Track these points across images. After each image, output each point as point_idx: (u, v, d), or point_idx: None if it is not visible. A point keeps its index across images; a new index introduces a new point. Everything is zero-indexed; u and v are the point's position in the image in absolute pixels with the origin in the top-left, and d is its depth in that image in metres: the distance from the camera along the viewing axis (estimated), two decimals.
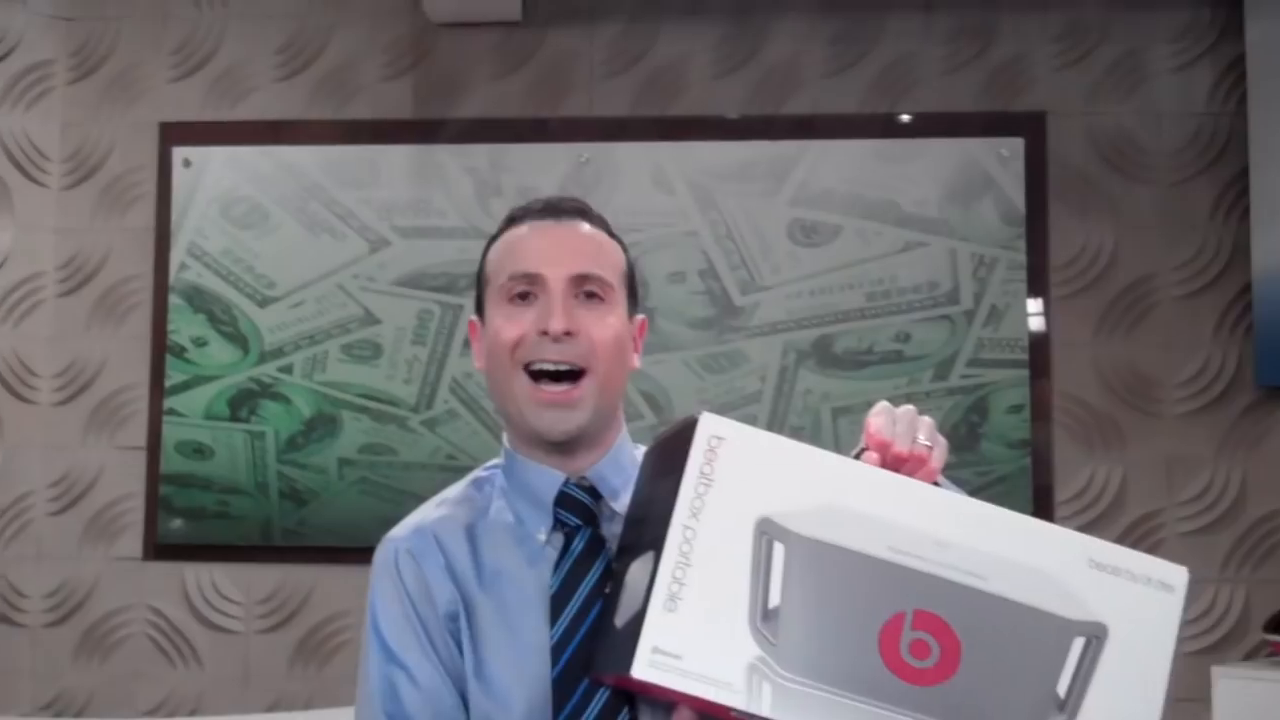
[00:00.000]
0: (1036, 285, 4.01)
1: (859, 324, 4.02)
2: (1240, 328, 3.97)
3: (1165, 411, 3.99)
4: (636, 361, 1.84)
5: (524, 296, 1.75)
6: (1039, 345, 4.00)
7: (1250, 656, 3.90)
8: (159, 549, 4.14)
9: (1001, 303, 3.99)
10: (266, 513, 4.10)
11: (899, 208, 4.03)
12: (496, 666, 1.71)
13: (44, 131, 4.23)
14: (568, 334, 1.72)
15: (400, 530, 1.82)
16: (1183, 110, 4.04)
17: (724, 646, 1.46)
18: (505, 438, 1.83)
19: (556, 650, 1.68)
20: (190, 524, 4.12)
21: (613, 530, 1.75)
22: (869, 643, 1.47)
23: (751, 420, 4.03)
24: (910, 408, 1.65)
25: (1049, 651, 1.50)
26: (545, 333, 1.72)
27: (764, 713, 1.45)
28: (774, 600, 1.48)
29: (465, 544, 1.76)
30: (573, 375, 1.73)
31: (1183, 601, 1.54)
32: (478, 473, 1.87)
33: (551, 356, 1.72)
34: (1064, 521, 3.95)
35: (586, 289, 1.75)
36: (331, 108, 4.20)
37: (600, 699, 1.65)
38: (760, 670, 1.46)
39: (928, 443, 1.62)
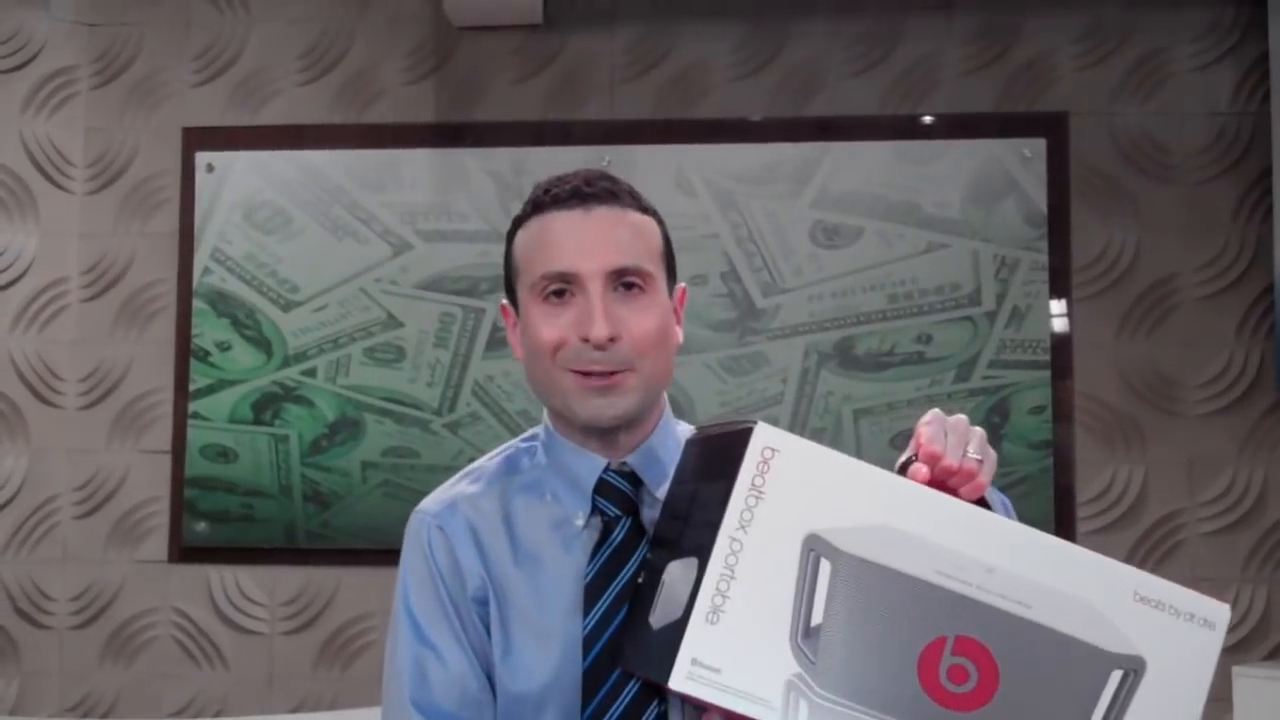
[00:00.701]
0: (1058, 286, 4.01)
1: (881, 325, 4.03)
2: (1262, 328, 3.97)
3: (1187, 412, 3.99)
4: (680, 335, 1.77)
5: (559, 294, 1.68)
6: (1061, 346, 4.00)
7: (1271, 657, 3.90)
8: (184, 551, 4.16)
9: (1023, 304, 3.99)
10: (290, 515, 4.12)
11: (921, 209, 4.03)
12: (525, 651, 1.69)
13: (68, 137, 4.25)
14: (611, 340, 1.66)
15: (433, 504, 1.78)
16: (1205, 110, 4.04)
17: (763, 662, 1.45)
18: (545, 416, 1.79)
19: (589, 641, 1.65)
20: (215, 527, 4.14)
21: (653, 517, 1.72)
22: (908, 666, 1.47)
23: (773, 422, 4.01)
24: (962, 418, 1.61)
25: (1086, 682, 1.50)
26: (586, 339, 1.66)
27: None
28: (817, 618, 1.47)
29: (500, 523, 1.74)
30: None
31: (1222, 639, 1.53)
32: (516, 443, 1.83)
33: (597, 365, 1.67)
34: (1085, 522, 3.95)
35: (625, 281, 1.68)
36: (354, 112, 4.22)
37: (630, 692, 1.63)
38: (798, 688, 1.45)
39: (978, 456, 1.58)
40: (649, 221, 1.74)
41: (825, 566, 1.47)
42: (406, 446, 4.10)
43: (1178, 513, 3.96)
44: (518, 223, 1.76)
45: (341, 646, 4.11)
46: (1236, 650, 3.89)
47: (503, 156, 4.14)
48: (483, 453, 4.16)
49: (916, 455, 1.57)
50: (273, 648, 4.14)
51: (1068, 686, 1.49)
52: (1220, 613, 1.54)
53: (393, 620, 1.76)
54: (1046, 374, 3.98)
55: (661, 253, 1.74)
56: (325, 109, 4.23)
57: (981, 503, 1.59)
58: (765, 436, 1.47)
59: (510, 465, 1.80)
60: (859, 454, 3.92)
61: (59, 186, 4.24)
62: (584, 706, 1.65)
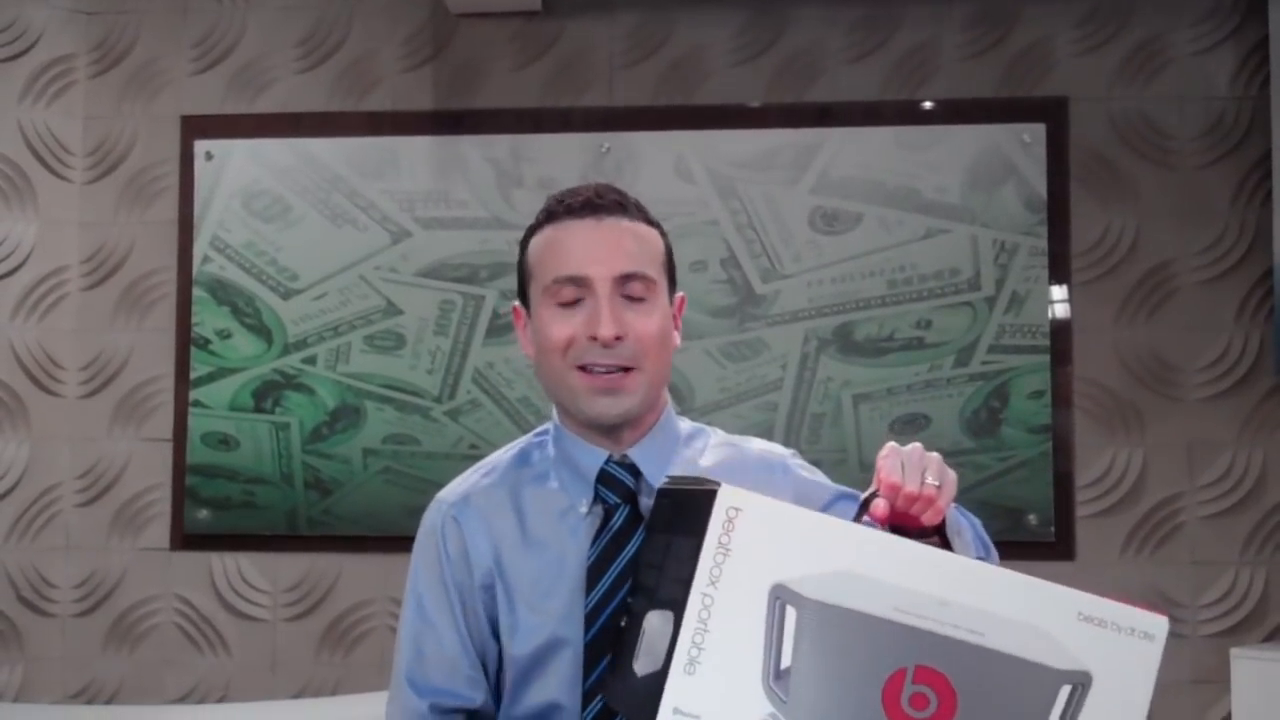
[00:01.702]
0: (1058, 271, 4.01)
1: (880, 311, 4.03)
2: (1261, 312, 3.97)
3: (1186, 396, 3.99)
4: (677, 340, 1.93)
5: (570, 299, 1.82)
6: (1060, 331, 4.01)
7: (1270, 639, 3.92)
8: (186, 539, 4.17)
9: (1023, 289, 4.00)
10: (292, 502, 4.13)
11: (920, 195, 4.03)
12: (528, 622, 1.84)
13: (66, 126, 4.25)
14: (617, 338, 1.80)
15: (450, 494, 1.93)
16: (1205, 95, 4.04)
17: (739, 706, 1.56)
18: (554, 412, 1.93)
19: (590, 618, 1.80)
20: (216, 514, 4.15)
21: (648, 505, 1.85)
22: (873, 697, 1.57)
23: (773, 408, 4.05)
24: (917, 446, 1.72)
25: (1037, 699, 1.61)
26: (595, 338, 1.80)
27: None
28: (786, 660, 1.58)
29: (511, 512, 1.87)
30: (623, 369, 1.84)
31: (1160, 649, 1.63)
32: (528, 438, 1.98)
33: (603, 361, 1.81)
34: (1085, 506, 3.96)
35: (630, 289, 1.83)
36: (352, 99, 4.22)
37: None
38: None
39: (935, 481, 1.69)
40: (653, 233, 1.90)
41: (791, 613, 1.58)
42: (407, 434, 4.11)
43: (1177, 496, 3.97)
44: (532, 230, 1.91)
45: (344, 633, 4.13)
46: (1234, 632, 3.90)
47: (502, 144, 4.14)
48: (483, 439, 4.21)
49: (878, 489, 1.70)
50: (275, 634, 4.15)
51: (1021, 704, 1.60)
52: (1158, 625, 1.64)
53: (405, 598, 1.92)
54: (1046, 359, 3.99)
55: (664, 262, 1.91)
56: (323, 96, 4.22)
57: (942, 525, 1.72)
58: (729, 498, 1.61)
59: (522, 458, 1.95)
60: (858, 439, 3.95)
61: (58, 175, 4.24)
62: (585, 676, 1.81)
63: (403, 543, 3.95)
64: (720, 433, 2.01)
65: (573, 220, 1.84)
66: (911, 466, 1.69)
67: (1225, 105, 4.03)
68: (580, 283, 1.82)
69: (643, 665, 1.64)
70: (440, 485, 4.20)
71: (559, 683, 1.83)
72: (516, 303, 1.96)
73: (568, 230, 1.84)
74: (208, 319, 4.17)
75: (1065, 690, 1.60)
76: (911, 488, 1.68)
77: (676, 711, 1.55)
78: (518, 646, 1.84)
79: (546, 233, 1.87)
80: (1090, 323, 4.02)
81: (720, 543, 1.58)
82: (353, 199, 4.15)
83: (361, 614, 4.13)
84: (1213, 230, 4.01)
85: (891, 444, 1.72)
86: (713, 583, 1.58)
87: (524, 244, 1.92)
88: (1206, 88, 4.04)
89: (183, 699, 4.15)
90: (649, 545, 1.77)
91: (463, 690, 1.85)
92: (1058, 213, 4.02)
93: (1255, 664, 3.55)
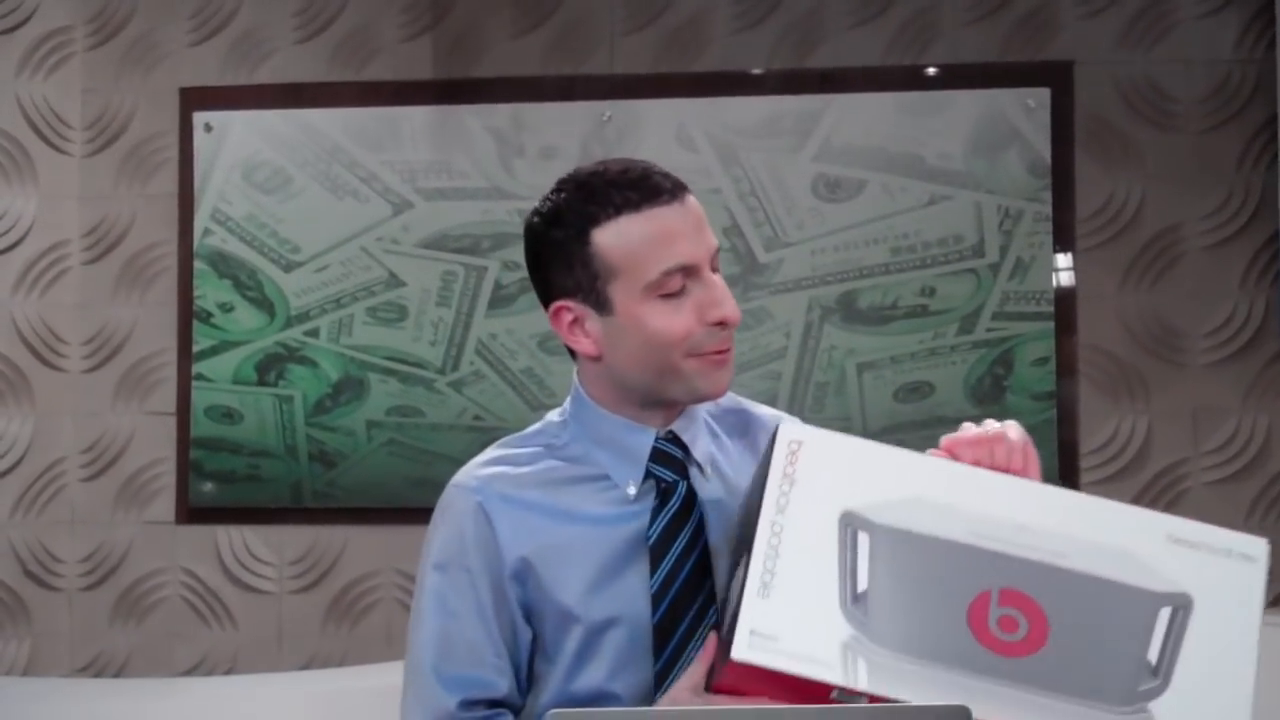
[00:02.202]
0: (1062, 237, 3.99)
1: (884, 279, 4.02)
2: (1267, 278, 3.96)
3: (1191, 362, 3.98)
4: None
5: (679, 287, 1.77)
6: (1065, 297, 3.99)
7: (1273, 605, 3.89)
8: (191, 512, 4.18)
9: (1027, 255, 3.98)
10: (296, 475, 4.13)
11: (923, 161, 4.01)
12: (589, 598, 1.79)
13: (64, 99, 4.23)
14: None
15: (470, 479, 1.85)
16: (1210, 58, 4.01)
17: (818, 627, 1.53)
18: (582, 392, 1.88)
19: (657, 598, 1.77)
20: (221, 487, 4.15)
21: (698, 476, 1.85)
22: (958, 619, 1.54)
23: (776, 376, 4.04)
24: (1006, 442, 1.69)
25: (1136, 623, 1.56)
26: (719, 323, 1.78)
27: (861, 687, 1.51)
28: (862, 585, 1.55)
29: (546, 498, 1.82)
30: None
31: (1265, 571, 1.60)
32: (549, 418, 1.93)
33: (722, 346, 1.80)
34: (1089, 473, 3.96)
35: (715, 263, 1.82)
36: (351, 70, 4.19)
37: (697, 643, 1.75)
38: (854, 648, 1.53)
39: (1000, 427, 1.70)
40: None
41: (863, 539, 1.55)
42: (411, 405, 4.11)
43: (1181, 462, 3.97)
44: (592, 220, 1.78)
45: (350, 604, 4.13)
46: None
47: (503, 113, 4.12)
48: (487, 411, 4.20)
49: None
50: (281, 606, 4.16)
51: (1118, 628, 1.56)
52: (1258, 546, 1.61)
53: (418, 589, 1.85)
54: (1050, 325, 3.98)
55: None
56: (322, 67, 4.20)
57: None
58: (790, 432, 1.60)
59: (545, 441, 1.89)
60: (862, 407, 3.95)
61: (57, 149, 4.22)
62: (656, 656, 1.77)
63: (408, 514, 4.02)
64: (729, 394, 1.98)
65: (662, 208, 1.77)
66: (973, 425, 1.71)
67: (1231, 68, 4.00)
68: (691, 272, 1.77)
69: (726, 625, 1.62)
70: (445, 456, 4.20)
71: (611, 669, 1.79)
72: (564, 302, 1.83)
73: (661, 219, 1.77)
74: (209, 292, 4.17)
75: (1165, 613, 1.56)
76: (976, 432, 1.68)
77: (754, 633, 1.52)
78: (566, 632, 1.79)
79: (627, 224, 1.76)
80: (1095, 289, 4.00)
81: (785, 473, 1.57)
82: (353, 170, 4.13)
83: (367, 586, 4.13)
84: (1218, 195, 3.99)
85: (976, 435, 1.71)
86: (780, 511, 1.56)
87: (582, 238, 1.78)
88: (1212, 51, 4.01)
89: (190, 671, 4.16)
90: (733, 540, 1.77)
91: (490, 678, 1.80)
92: (1062, 178, 4.00)
93: (1261, 631, 3.54)
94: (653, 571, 1.77)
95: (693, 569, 1.79)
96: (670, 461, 1.83)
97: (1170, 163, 4.00)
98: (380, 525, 4.11)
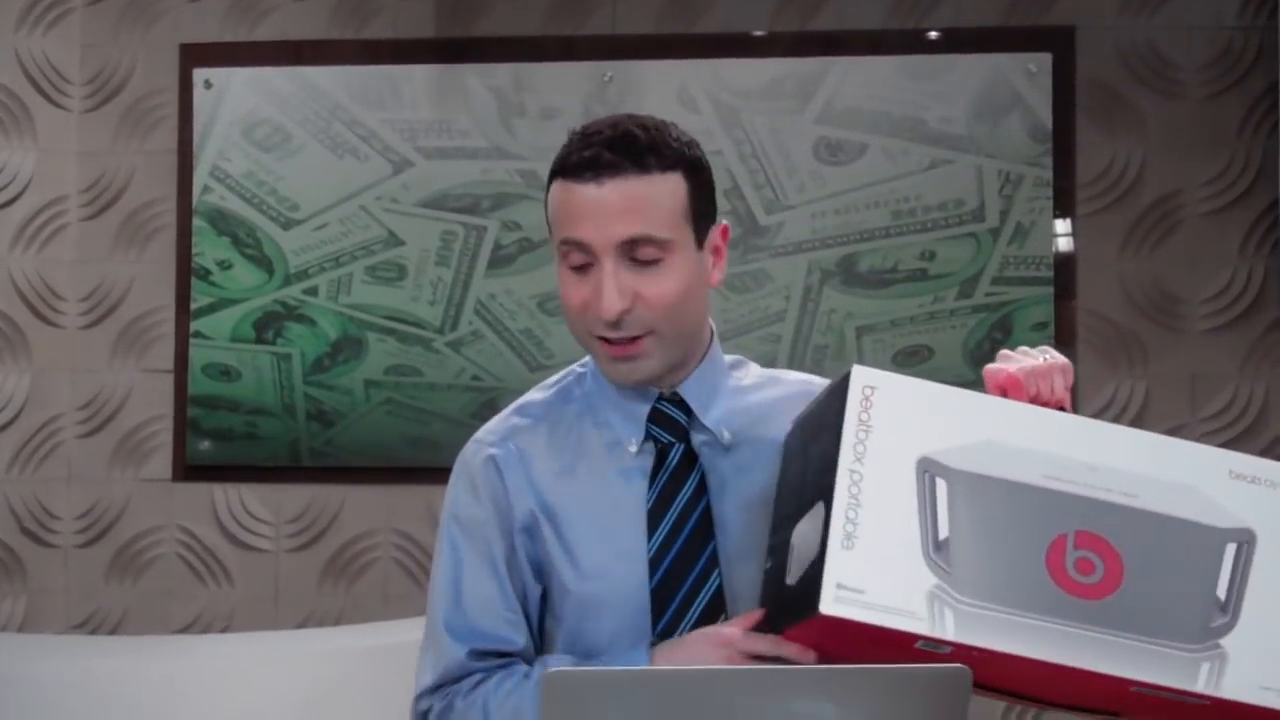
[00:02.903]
0: (1063, 202, 3.99)
1: (884, 242, 4.01)
2: (1267, 244, 3.96)
3: (1189, 328, 3.99)
4: (716, 278, 1.85)
5: (579, 261, 1.77)
6: (1064, 262, 3.99)
7: None
8: (188, 470, 4.17)
9: (1027, 220, 3.98)
10: (294, 434, 4.13)
11: (925, 125, 4.01)
12: (593, 559, 1.79)
13: (64, 54, 4.22)
14: (624, 313, 1.74)
15: (487, 435, 1.87)
16: (1212, 24, 4.00)
17: (903, 578, 1.54)
18: None
19: (654, 562, 1.76)
20: (219, 445, 4.15)
21: (702, 441, 1.83)
22: (1038, 564, 1.56)
23: (775, 339, 4.04)
24: (1043, 365, 1.72)
25: (1205, 559, 1.59)
26: (599, 316, 1.75)
27: (949, 637, 1.52)
28: (943, 532, 1.56)
29: (557, 452, 1.84)
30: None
31: None
32: (566, 374, 1.92)
33: (611, 335, 1.76)
34: None
35: (640, 253, 1.74)
36: (352, 27, 4.18)
37: (697, 608, 1.75)
38: (939, 597, 1.53)
39: (1049, 357, 1.74)
40: (670, 179, 1.76)
41: (941, 485, 1.57)
42: (409, 365, 4.10)
43: (1179, 429, 3.97)
44: (552, 173, 1.82)
45: (347, 563, 4.13)
46: None
47: (504, 72, 4.11)
48: (486, 371, 4.20)
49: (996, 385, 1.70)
50: (278, 565, 4.16)
51: (1188, 565, 1.58)
52: None
53: (436, 542, 1.86)
54: (1049, 290, 3.98)
55: (685, 210, 1.78)
56: (323, 24, 4.19)
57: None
58: (863, 376, 1.60)
59: (563, 395, 1.90)
60: None
61: (56, 104, 4.21)
62: (655, 620, 1.76)
63: (406, 474, 4.02)
64: (755, 366, 1.97)
65: (575, 183, 1.75)
66: (1020, 354, 1.72)
67: (1233, 35, 4.00)
68: (584, 249, 1.75)
69: (796, 572, 1.61)
70: (443, 416, 4.21)
71: (613, 631, 1.78)
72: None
73: (570, 192, 1.76)
74: (208, 249, 4.16)
75: (1231, 549, 1.59)
76: (1032, 362, 1.70)
77: (840, 586, 1.52)
78: (572, 590, 1.79)
79: (557, 188, 1.79)
80: (1094, 254, 4.00)
81: (860, 420, 1.57)
82: (353, 128, 4.12)
83: (364, 545, 4.14)
84: (1219, 161, 3.99)
85: (1015, 364, 1.73)
86: (858, 459, 1.56)
87: (547, 188, 1.84)
88: (1214, 17, 4.00)
89: (186, 629, 4.17)
90: (784, 481, 1.75)
91: (502, 632, 1.80)
92: (1063, 144, 4.00)
93: None
94: (650, 535, 1.77)
95: (693, 534, 1.78)
96: (670, 423, 1.82)
97: (1171, 129, 4.00)
98: (378, 484, 4.11)
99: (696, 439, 1.83)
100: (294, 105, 4.14)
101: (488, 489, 1.82)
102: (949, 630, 1.52)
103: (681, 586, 1.74)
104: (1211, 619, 1.57)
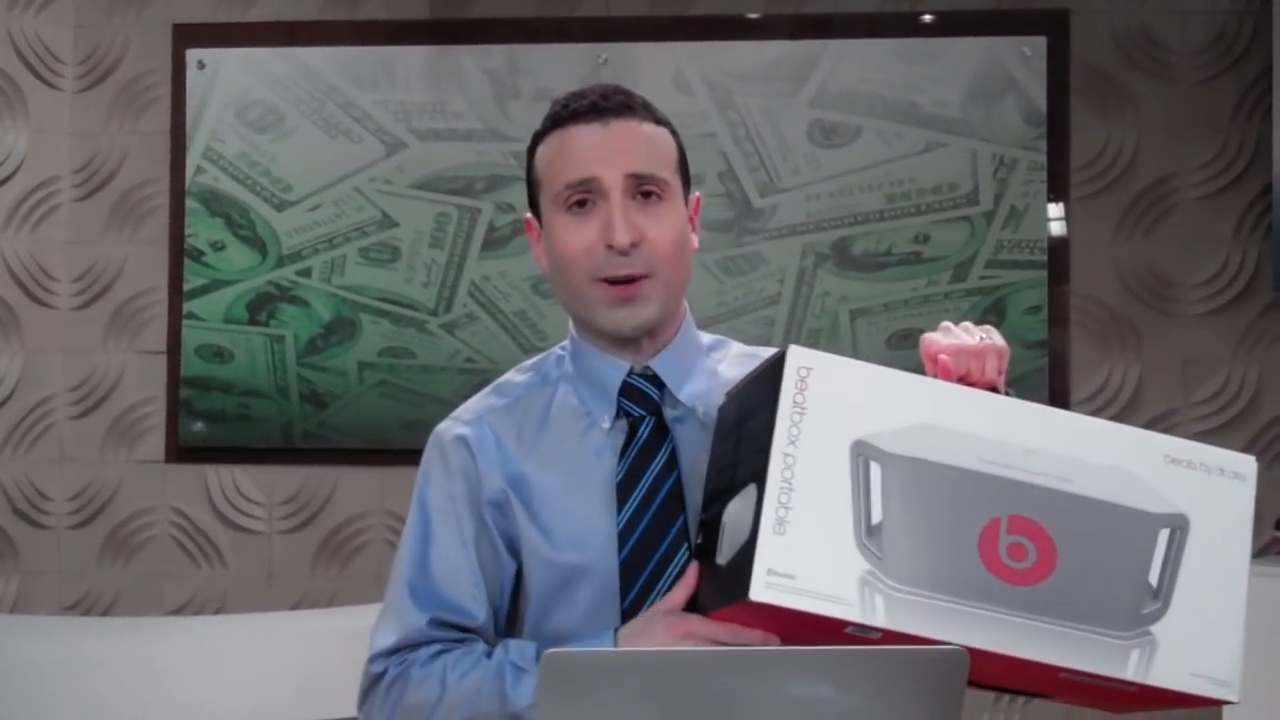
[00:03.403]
0: (1056, 186, 3.99)
1: (878, 225, 4.01)
2: (1260, 228, 3.96)
3: (1183, 312, 3.99)
4: (695, 242, 1.87)
5: (582, 204, 1.78)
6: (1058, 246, 3.99)
7: (1262, 553, 3.93)
8: (181, 451, 4.17)
9: (1021, 204, 3.98)
10: (287, 415, 4.12)
11: (919, 108, 4.00)
12: (566, 531, 1.80)
13: (57, 34, 4.20)
14: (633, 244, 1.75)
15: (463, 413, 1.89)
16: (1207, 8, 4.00)
17: (834, 564, 1.52)
18: (571, 325, 1.89)
19: (623, 535, 1.76)
20: (212, 426, 4.15)
21: (674, 416, 1.83)
22: (969, 549, 1.54)
23: (770, 322, 4.04)
24: (978, 344, 1.69)
25: (1138, 545, 1.58)
26: (611, 246, 1.75)
27: (878, 623, 1.51)
28: (876, 516, 1.54)
29: (529, 430, 1.85)
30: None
31: (1254, 488, 1.62)
32: (550, 352, 1.93)
33: (620, 272, 1.77)
34: None
35: (643, 189, 1.77)
36: (346, 8, 4.17)
37: (666, 581, 1.74)
38: (870, 583, 1.52)
39: (987, 338, 1.70)
40: (663, 132, 1.83)
41: (875, 468, 1.55)
42: (403, 347, 4.10)
43: (1172, 412, 3.98)
44: (538, 138, 1.84)
45: (340, 545, 4.14)
46: None
47: (498, 54, 4.10)
48: (480, 353, 4.19)
49: (932, 360, 1.68)
50: (271, 546, 4.16)
51: (1122, 550, 1.57)
52: (1248, 464, 1.64)
53: (409, 514, 1.87)
54: (1043, 274, 3.98)
55: (676, 162, 1.84)
56: (317, 5, 4.18)
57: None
58: (799, 357, 1.57)
59: (541, 375, 1.91)
60: (856, 354, 3.94)
61: (49, 85, 4.19)
62: (623, 595, 1.76)
63: (399, 455, 4.01)
64: (739, 344, 1.97)
65: (579, 125, 1.79)
66: (960, 330, 1.71)
67: (1226, 19, 4.00)
68: (590, 186, 1.76)
69: (727, 553, 1.60)
70: (436, 398, 4.21)
71: (586, 609, 1.78)
72: (528, 215, 1.90)
73: (574, 135, 1.78)
74: (201, 230, 4.15)
75: (1164, 534, 1.58)
76: (971, 341, 1.68)
77: (771, 572, 1.50)
78: (542, 567, 1.80)
79: (552, 139, 1.81)
80: (1088, 238, 4.00)
81: (795, 402, 1.55)
82: (347, 110, 4.11)
83: (357, 527, 4.14)
84: (1213, 145, 3.99)
85: (947, 333, 1.72)
86: (792, 442, 1.54)
87: (531, 152, 1.86)
88: (1208, 1, 4.00)
89: (179, 611, 4.16)
90: (716, 455, 1.74)
91: (465, 604, 1.79)
92: (1057, 127, 4.00)
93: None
94: (619, 509, 1.77)
95: (662, 508, 1.78)
96: (641, 397, 1.82)
97: (1165, 113, 4.00)
98: (371, 466, 4.10)
99: (669, 414, 1.83)
100: (287, 86, 4.13)
101: (459, 466, 1.83)
102: (879, 617, 1.51)
103: (650, 560, 1.74)
104: (1143, 605, 1.56)
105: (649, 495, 1.77)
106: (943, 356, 1.66)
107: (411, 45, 4.12)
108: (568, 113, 1.81)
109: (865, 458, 1.55)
